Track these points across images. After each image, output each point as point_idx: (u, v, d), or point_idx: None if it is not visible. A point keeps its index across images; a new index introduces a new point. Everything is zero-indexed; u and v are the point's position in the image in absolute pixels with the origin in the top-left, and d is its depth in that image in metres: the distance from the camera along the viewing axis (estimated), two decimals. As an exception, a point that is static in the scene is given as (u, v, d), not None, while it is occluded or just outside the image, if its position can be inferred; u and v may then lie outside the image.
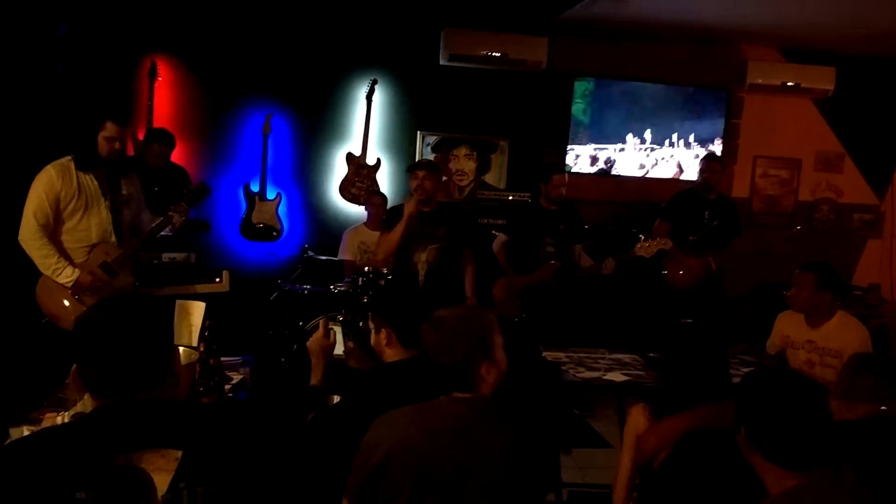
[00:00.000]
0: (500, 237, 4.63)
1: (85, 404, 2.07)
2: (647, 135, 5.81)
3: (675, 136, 5.85)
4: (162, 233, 3.60)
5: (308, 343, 2.46)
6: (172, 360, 1.49)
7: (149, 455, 1.31)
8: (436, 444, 1.70)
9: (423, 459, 1.68)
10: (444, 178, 5.64)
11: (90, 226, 3.37)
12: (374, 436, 1.74)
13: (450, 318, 1.86)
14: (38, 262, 3.28)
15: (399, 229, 3.95)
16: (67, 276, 3.28)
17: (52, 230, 3.30)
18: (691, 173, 5.73)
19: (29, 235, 3.26)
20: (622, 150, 5.79)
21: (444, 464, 1.68)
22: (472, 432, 1.74)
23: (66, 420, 2.09)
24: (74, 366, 1.43)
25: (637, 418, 2.23)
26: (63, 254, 3.31)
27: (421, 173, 3.98)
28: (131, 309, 1.45)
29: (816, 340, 3.37)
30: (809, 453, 1.57)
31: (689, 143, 5.88)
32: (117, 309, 1.45)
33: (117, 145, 3.34)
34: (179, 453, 1.33)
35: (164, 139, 4.63)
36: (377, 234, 4.44)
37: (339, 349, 2.64)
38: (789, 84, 5.77)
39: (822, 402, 1.62)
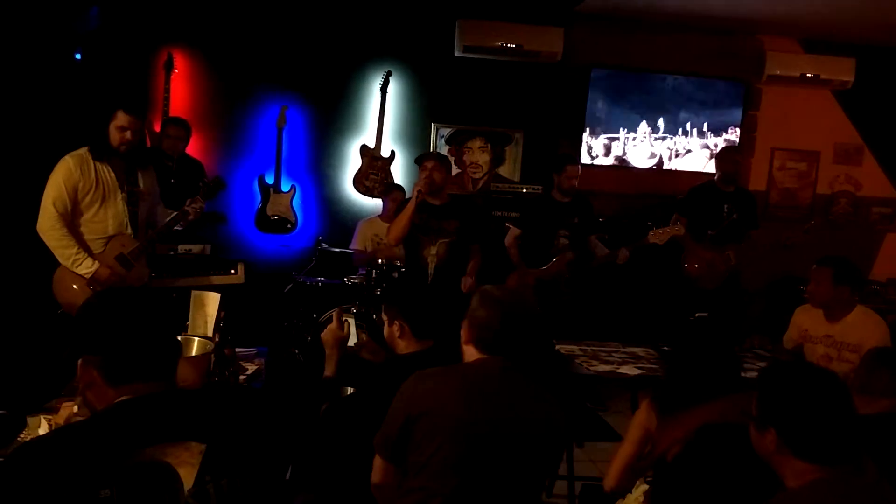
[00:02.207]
0: (513, 231, 4.61)
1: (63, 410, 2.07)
2: (664, 125, 5.76)
3: (690, 127, 5.81)
4: (175, 228, 3.62)
5: (322, 334, 2.47)
6: (180, 349, 1.50)
7: (173, 449, 1.28)
8: (470, 402, 1.80)
9: (457, 415, 1.77)
10: (459, 171, 5.63)
11: (107, 217, 3.39)
12: (413, 389, 1.84)
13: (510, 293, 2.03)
14: (56, 252, 3.30)
15: (406, 213, 3.95)
16: (87, 267, 3.30)
17: (70, 221, 3.32)
18: (708, 165, 5.69)
19: (49, 225, 3.27)
20: (638, 140, 5.75)
21: (476, 421, 1.78)
22: (505, 394, 1.85)
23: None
24: (80, 361, 1.39)
25: (645, 412, 2.23)
26: (82, 245, 3.33)
27: (430, 164, 3.98)
28: (134, 296, 1.47)
29: (835, 335, 3.33)
30: (842, 447, 1.57)
31: (707, 135, 5.83)
32: (121, 296, 1.47)
33: (129, 135, 3.34)
34: (203, 446, 1.31)
35: (179, 122, 4.68)
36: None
37: (352, 340, 2.64)
38: (808, 75, 5.70)
39: (849, 395, 1.63)
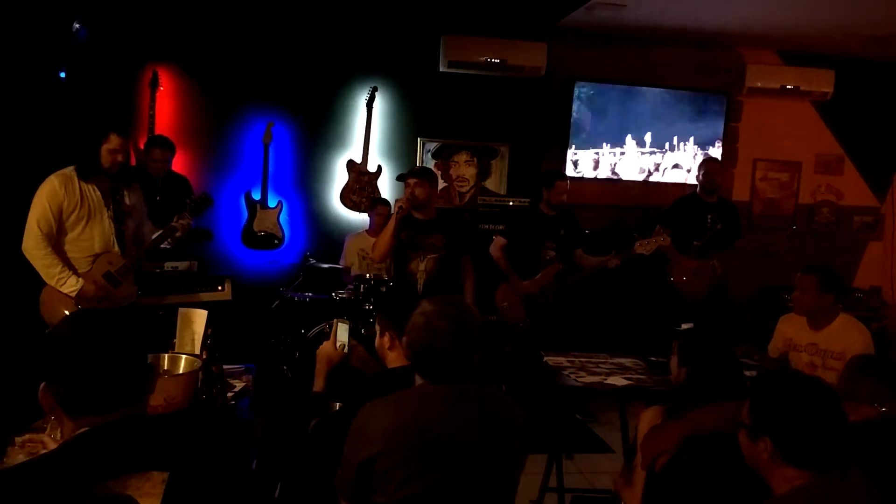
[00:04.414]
0: (498, 240, 4.62)
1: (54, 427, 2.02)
2: (648, 138, 5.82)
3: (675, 140, 5.87)
4: (162, 245, 3.62)
5: (318, 349, 2.47)
6: (150, 375, 1.45)
7: (134, 480, 1.24)
8: (423, 425, 1.74)
9: (412, 441, 1.72)
10: (445, 185, 5.65)
11: (93, 235, 3.38)
12: (363, 428, 1.77)
13: (454, 309, 1.89)
14: (41, 271, 3.29)
15: (388, 230, 3.99)
16: (71, 285, 3.29)
17: (56, 240, 3.31)
18: (692, 177, 5.75)
19: (32, 244, 3.27)
20: (623, 153, 5.80)
21: (432, 442, 1.73)
22: (457, 412, 1.79)
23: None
24: (42, 384, 1.36)
25: (652, 422, 2.23)
26: (67, 263, 3.32)
27: (412, 181, 4.01)
28: (102, 323, 1.41)
29: (819, 343, 3.36)
30: (832, 454, 1.59)
31: (690, 148, 5.89)
32: (88, 323, 1.42)
33: (120, 157, 3.37)
34: (166, 475, 1.27)
35: (163, 144, 4.63)
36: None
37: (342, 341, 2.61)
38: (788, 87, 5.79)
39: (839, 403, 1.66)
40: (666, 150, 5.86)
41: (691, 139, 5.88)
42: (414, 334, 1.85)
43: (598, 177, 5.80)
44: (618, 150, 5.80)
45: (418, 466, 1.71)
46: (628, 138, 5.80)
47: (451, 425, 1.76)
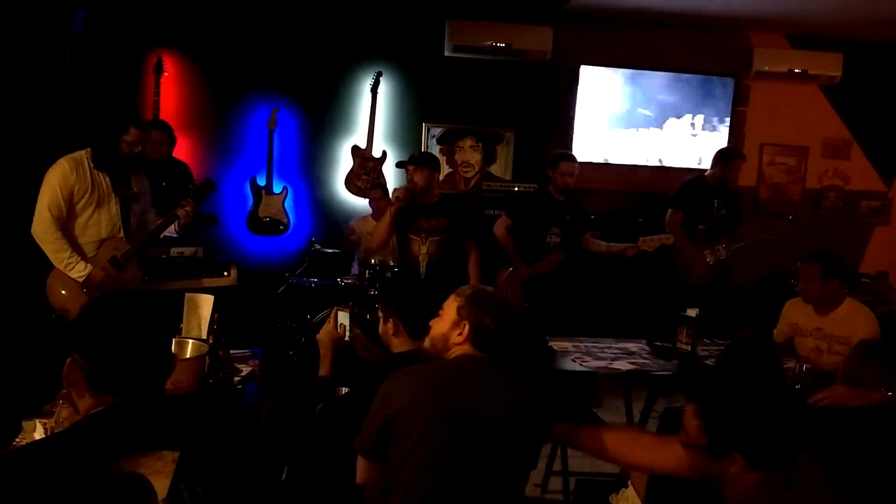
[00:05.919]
0: (503, 220, 4.61)
1: (61, 411, 2.03)
2: (655, 124, 5.79)
3: (677, 123, 5.83)
4: (169, 234, 3.63)
5: (318, 334, 2.47)
6: (173, 360, 1.48)
7: (145, 459, 1.27)
8: (446, 391, 1.84)
9: (433, 409, 1.80)
10: (450, 170, 5.64)
11: (100, 221, 3.40)
12: (388, 389, 1.86)
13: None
14: (51, 255, 3.31)
15: (386, 218, 4.03)
16: (80, 270, 3.31)
17: (65, 224, 3.33)
18: (694, 161, 5.73)
19: (43, 228, 3.28)
20: (630, 138, 5.77)
21: (452, 414, 1.80)
22: (482, 384, 1.89)
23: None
24: (70, 359, 1.38)
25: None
26: (75, 248, 3.34)
27: (411, 167, 4.03)
28: (135, 309, 1.44)
29: (824, 328, 3.36)
30: (788, 450, 1.55)
31: (697, 132, 5.86)
32: (125, 303, 1.45)
33: (137, 149, 3.44)
34: (176, 454, 1.29)
35: (161, 126, 4.58)
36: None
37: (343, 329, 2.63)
38: (796, 71, 5.74)
39: (789, 391, 1.61)
40: (670, 134, 5.83)
41: (697, 123, 5.84)
42: (489, 309, 1.99)
43: (604, 161, 5.77)
44: (625, 133, 5.77)
45: (433, 430, 1.78)
46: (634, 122, 5.77)
47: (474, 399, 1.84)
